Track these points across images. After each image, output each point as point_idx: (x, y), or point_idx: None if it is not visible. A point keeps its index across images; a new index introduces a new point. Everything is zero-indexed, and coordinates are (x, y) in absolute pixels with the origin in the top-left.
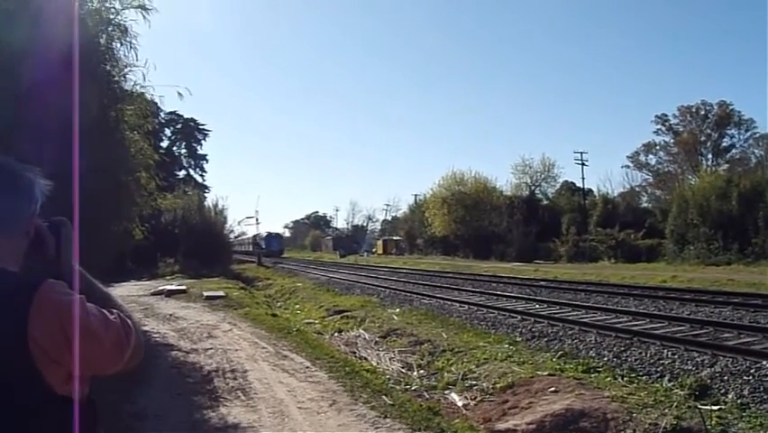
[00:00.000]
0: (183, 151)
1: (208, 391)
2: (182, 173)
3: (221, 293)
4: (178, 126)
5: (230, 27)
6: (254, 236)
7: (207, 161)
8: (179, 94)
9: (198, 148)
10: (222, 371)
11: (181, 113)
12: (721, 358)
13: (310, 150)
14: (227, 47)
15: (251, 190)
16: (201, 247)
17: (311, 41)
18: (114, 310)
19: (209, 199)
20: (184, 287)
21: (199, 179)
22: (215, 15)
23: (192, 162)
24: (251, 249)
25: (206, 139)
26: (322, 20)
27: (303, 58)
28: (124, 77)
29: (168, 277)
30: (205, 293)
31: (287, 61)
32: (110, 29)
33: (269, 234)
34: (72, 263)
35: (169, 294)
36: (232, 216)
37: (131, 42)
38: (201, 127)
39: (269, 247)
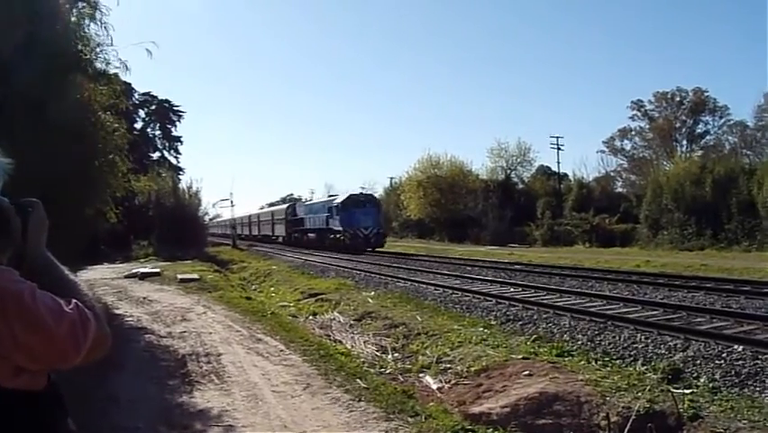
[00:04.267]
0: (157, 132)
1: (182, 375)
2: (156, 155)
3: (195, 276)
4: (153, 107)
5: (206, 9)
6: (289, 207)
7: (182, 142)
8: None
9: (173, 129)
10: (196, 354)
11: (156, 93)
12: (694, 342)
13: (285, 132)
14: (203, 30)
15: (226, 172)
16: (175, 230)
17: (286, 24)
18: (74, 301)
19: (184, 181)
20: (158, 270)
21: (174, 161)
22: None
23: (166, 144)
24: (274, 232)
25: (181, 120)
26: (296, 5)
27: (278, 41)
28: (96, 56)
29: (142, 260)
30: (180, 276)
31: (261, 45)
32: (80, 5)
33: (350, 201)
34: (41, 248)
35: (143, 277)
36: (206, 199)
37: (101, 20)
38: (176, 108)
39: (351, 225)
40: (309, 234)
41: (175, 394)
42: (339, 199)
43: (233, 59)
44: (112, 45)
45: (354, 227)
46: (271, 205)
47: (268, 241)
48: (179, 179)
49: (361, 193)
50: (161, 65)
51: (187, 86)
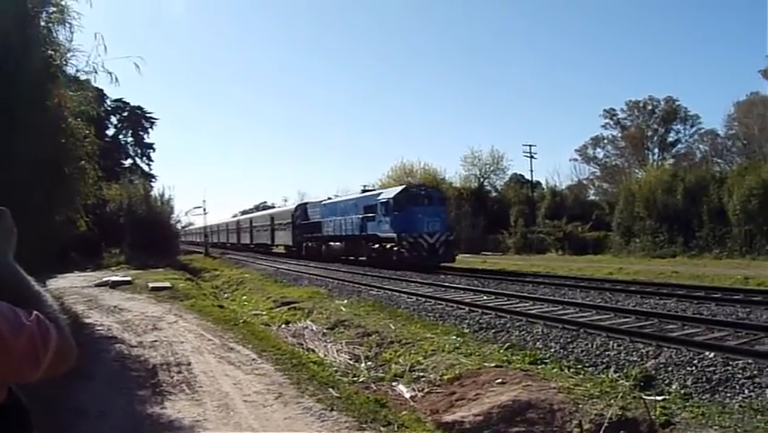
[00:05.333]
0: (129, 139)
1: (152, 385)
2: (128, 162)
3: (167, 284)
4: (125, 114)
5: (175, 18)
6: (298, 208)
7: (154, 149)
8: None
9: (145, 136)
10: (167, 364)
11: (128, 100)
12: (666, 349)
13: (257, 140)
14: (173, 38)
15: (199, 180)
16: (147, 237)
17: (257, 33)
18: (34, 313)
19: (156, 189)
20: (129, 278)
21: (146, 168)
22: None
23: (138, 151)
24: (273, 241)
25: (153, 127)
26: (267, 14)
27: (248, 50)
28: (66, 61)
29: (113, 268)
30: (151, 284)
31: (232, 54)
32: (50, 9)
33: (407, 195)
34: (7, 258)
35: (114, 285)
36: (179, 206)
37: (72, 24)
38: (148, 115)
39: (410, 229)
40: (333, 244)
41: (145, 405)
42: (389, 193)
43: (205, 68)
44: (81, 49)
45: (415, 233)
46: (245, 213)
47: (247, 250)
48: (152, 187)
49: (422, 185)
50: (132, 71)
51: (160, 93)
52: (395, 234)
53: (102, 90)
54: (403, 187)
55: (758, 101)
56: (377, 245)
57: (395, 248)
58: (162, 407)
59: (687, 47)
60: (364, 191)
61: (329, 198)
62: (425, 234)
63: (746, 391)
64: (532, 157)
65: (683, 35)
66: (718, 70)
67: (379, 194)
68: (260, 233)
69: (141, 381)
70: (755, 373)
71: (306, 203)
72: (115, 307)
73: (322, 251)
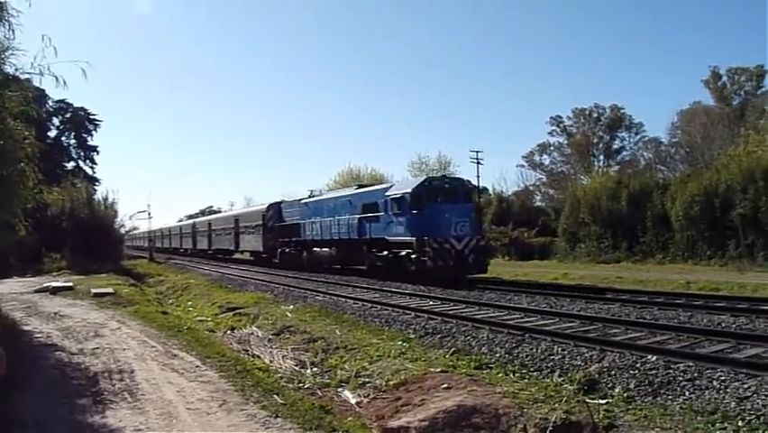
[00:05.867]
0: (72, 141)
1: (93, 394)
2: (71, 165)
3: (110, 290)
4: (68, 116)
5: (122, 21)
6: (271, 207)
7: (98, 152)
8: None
9: (89, 139)
10: (109, 371)
11: (71, 101)
12: (609, 353)
13: (203, 145)
14: (118, 41)
15: (144, 185)
16: (90, 242)
17: (203, 38)
18: None
19: (99, 193)
20: (71, 284)
21: (89, 171)
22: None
23: (82, 154)
24: (238, 246)
25: (97, 130)
26: (214, 18)
27: (195, 54)
28: (5, 60)
29: (54, 273)
30: (93, 290)
31: (178, 58)
32: None
33: (430, 189)
34: None
35: (55, 291)
36: (123, 210)
37: (11, 23)
38: (92, 117)
39: (434, 231)
40: (319, 250)
41: (86, 414)
42: (403, 187)
43: (150, 72)
44: (21, 48)
45: (441, 236)
46: (191, 217)
47: (204, 256)
48: (95, 190)
49: (444, 176)
50: (76, 73)
51: (104, 96)
52: (412, 239)
53: (43, 90)
54: (423, 179)
55: (700, 110)
56: (384, 252)
57: (412, 256)
58: (103, 416)
59: (632, 56)
60: (359, 186)
61: (311, 196)
62: (452, 238)
63: (687, 393)
64: (479, 163)
65: (629, 44)
66: (663, 80)
67: (384, 189)
68: (221, 237)
69: (82, 389)
70: (696, 375)
71: (280, 202)
72: (56, 313)
73: (303, 258)
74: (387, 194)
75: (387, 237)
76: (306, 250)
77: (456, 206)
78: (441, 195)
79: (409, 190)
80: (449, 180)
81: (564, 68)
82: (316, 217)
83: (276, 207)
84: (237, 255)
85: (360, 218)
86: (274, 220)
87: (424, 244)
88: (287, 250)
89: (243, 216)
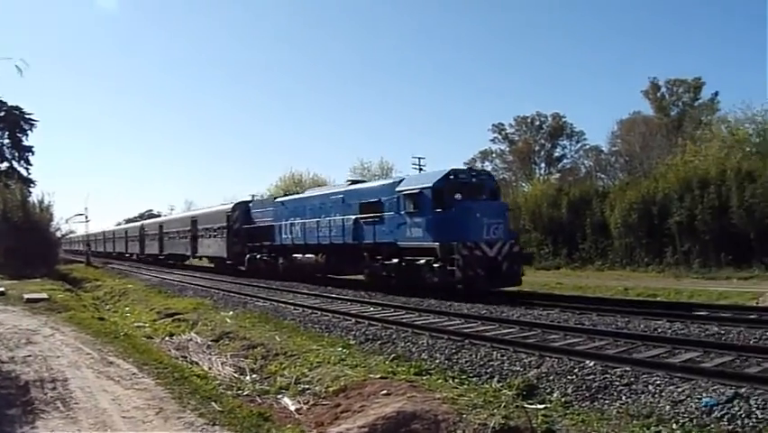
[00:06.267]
0: (6, 141)
1: (24, 403)
2: (4, 165)
3: (44, 295)
4: (1, 114)
5: (61, 21)
6: (237, 206)
7: (33, 153)
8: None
9: (24, 139)
10: (41, 380)
11: (5, 99)
12: (548, 359)
13: (143, 149)
14: (56, 41)
15: (81, 188)
16: (24, 246)
17: (144, 40)
18: None
19: (34, 195)
20: (2, 289)
21: (24, 173)
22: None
23: (16, 154)
24: (196, 250)
25: (33, 130)
26: (153, 20)
27: (135, 57)
28: None
29: None
30: (26, 295)
31: (117, 60)
32: None
33: (455, 184)
34: None
35: None
36: (59, 213)
37: None
38: (27, 117)
39: (462, 234)
40: (301, 256)
41: (15, 425)
42: (421, 181)
43: (89, 73)
44: None
45: (472, 240)
46: (129, 221)
47: (156, 262)
48: (30, 192)
49: (471, 168)
50: (11, 72)
51: (41, 97)
52: (435, 244)
53: None
54: (447, 171)
55: (640, 120)
56: (393, 260)
57: (435, 265)
58: (33, 426)
59: (574, 65)
60: (353, 182)
61: (287, 195)
62: (483, 243)
63: (624, 398)
64: (421, 169)
65: (571, 54)
66: (603, 89)
67: (392, 183)
68: (175, 240)
69: (12, 399)
70: (632, 379)
71: (248, 201)
72: None
73: (279, 266)
74: (398, 189)
75: (398, 242)
76: (283, 256)
77: (486, 204)
78: (467, 190)
79: (430, 185)
80: (476, 173)
81: (507, 75)
82: (296, 218)
83: (243, 207)
84: (195, 261)
85: (357, 219)
86: (241, 222)
87: (451, 250)
88: (257, 256)
89: (203, 217)
